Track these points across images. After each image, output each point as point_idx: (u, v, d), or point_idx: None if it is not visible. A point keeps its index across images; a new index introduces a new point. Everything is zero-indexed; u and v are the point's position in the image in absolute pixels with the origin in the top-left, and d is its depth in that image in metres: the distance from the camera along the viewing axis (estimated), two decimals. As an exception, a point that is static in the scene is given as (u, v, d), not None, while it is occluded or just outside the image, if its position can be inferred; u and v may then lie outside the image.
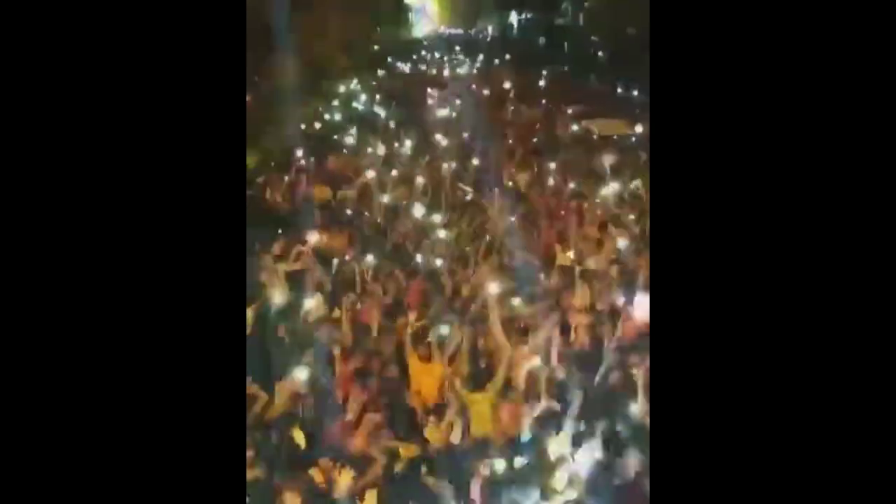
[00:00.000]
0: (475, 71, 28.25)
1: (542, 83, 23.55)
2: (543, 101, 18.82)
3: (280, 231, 8.27)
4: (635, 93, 19.37)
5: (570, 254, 7.82)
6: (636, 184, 9.89)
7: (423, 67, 29.60)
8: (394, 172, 10.80)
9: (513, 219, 8.85)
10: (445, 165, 10.93)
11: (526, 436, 4.81)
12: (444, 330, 5.83)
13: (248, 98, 10.22)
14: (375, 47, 26.55)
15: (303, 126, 13.23)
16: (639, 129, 14.25)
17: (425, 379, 5.63)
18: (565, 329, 6.21)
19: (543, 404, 5.00)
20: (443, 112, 16.62)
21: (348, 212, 9.50)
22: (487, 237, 8.22)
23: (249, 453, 4.46)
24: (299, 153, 11.48)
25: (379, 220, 9.13)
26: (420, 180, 10.06)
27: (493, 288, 6.21)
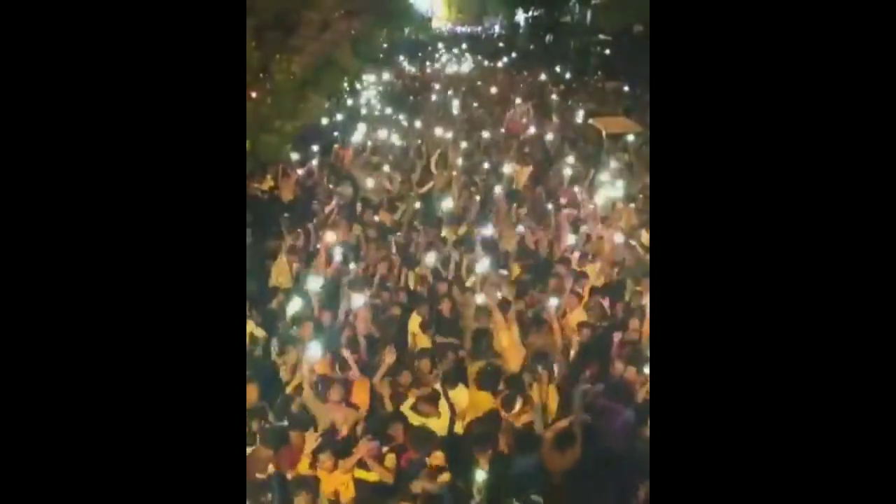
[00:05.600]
0: (482, 69, 28.20)
1: (548, 81, 23.51)
2: (550, 99, 18.79)
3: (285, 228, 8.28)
4: (640, 91, 19.30)
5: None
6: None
7: (430, 65, 29.59)
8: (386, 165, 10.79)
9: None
10: (453, 163, 10.93)
11: None
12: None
13: (254, 94, 10.22)
14: (386, 45, 26.53)
15: (309, 122, 13.22)
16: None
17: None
18: None
19: None
20: (449, 110, 16.62)
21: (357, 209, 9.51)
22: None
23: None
24: (306, 150, 11.51)
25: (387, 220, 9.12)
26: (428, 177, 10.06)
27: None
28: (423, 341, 6.23)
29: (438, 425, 5.22)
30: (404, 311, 6.77)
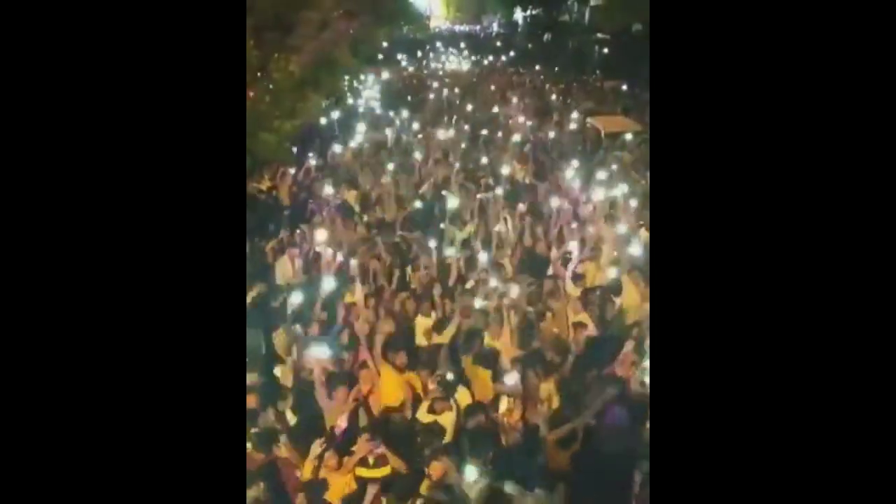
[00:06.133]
0: (480, 68, 28.20)
1: (546, 80, 23.55)
2: (549, 98, 18.82)
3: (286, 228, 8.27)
4: (638, 90, 19.34)
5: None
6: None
7: (429, 64, 29.59)
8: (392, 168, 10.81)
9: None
10: (451, 162, 10.94)
11: None
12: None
13: (252, 93, 10.22)
14: (385, 44, 26.55)
15: (308, 122, 13.23)
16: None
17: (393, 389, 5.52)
18: None
19: None
20: (448, 109, 16.63)
21: (356, 209, 9.50)
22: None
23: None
24: (304, 149, 11.52)
25: (386, 218, 9.11)
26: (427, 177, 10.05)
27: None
28: (439, 339, 6.19)
29: (449, 420, 5.22)
30: (406, 312, 6.78)
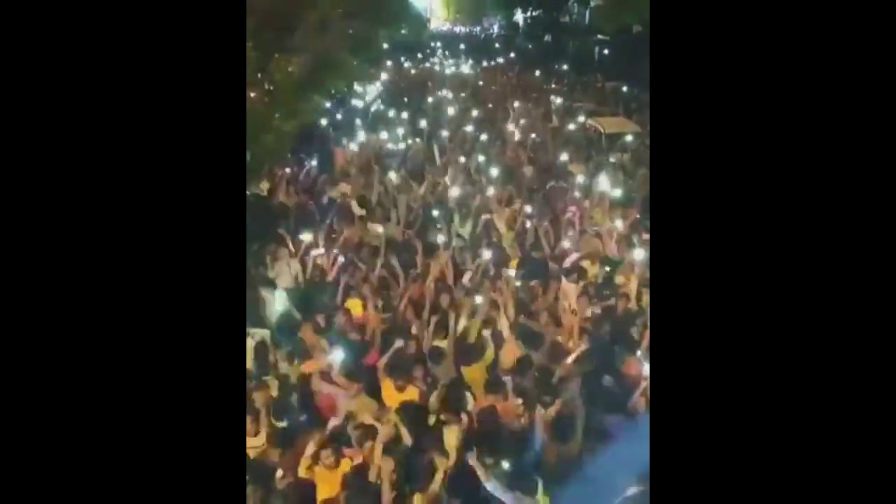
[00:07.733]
0: (481, 69, 28.18)
1: (547, 81, 23.56)
2: (549, 99, 18.81)
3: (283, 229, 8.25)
4: (639, 91, 19.36)
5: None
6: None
7: (429, 65, 29.58)
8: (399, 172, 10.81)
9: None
10: (452, 164, 10.94)
11: None
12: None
13: (252, 94, 10.20)
14: (385, 45, 26.56)
15: (308, 124, 13.22)
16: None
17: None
18: None
19: None
20: (448, 110, 16.61)
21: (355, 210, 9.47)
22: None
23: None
24: (305, 151, 11.52)
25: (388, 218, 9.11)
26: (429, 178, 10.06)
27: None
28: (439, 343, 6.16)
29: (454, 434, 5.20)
30: (408, 315, 6.76)
